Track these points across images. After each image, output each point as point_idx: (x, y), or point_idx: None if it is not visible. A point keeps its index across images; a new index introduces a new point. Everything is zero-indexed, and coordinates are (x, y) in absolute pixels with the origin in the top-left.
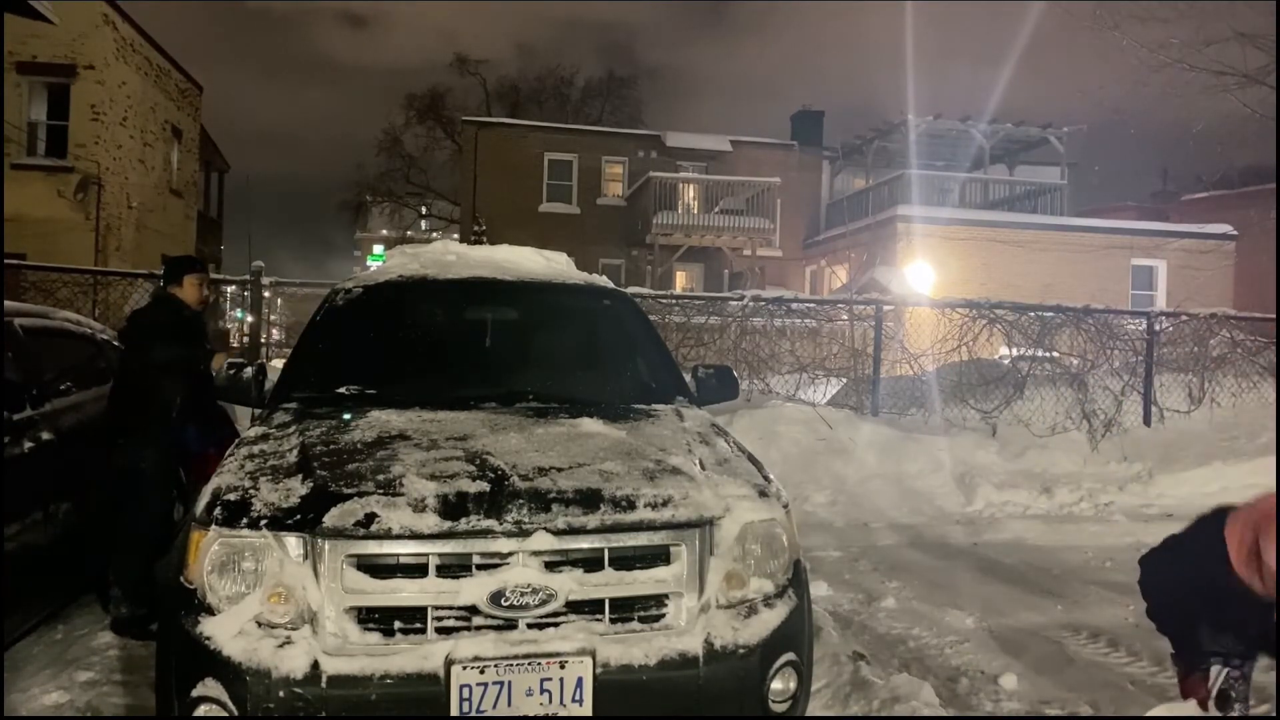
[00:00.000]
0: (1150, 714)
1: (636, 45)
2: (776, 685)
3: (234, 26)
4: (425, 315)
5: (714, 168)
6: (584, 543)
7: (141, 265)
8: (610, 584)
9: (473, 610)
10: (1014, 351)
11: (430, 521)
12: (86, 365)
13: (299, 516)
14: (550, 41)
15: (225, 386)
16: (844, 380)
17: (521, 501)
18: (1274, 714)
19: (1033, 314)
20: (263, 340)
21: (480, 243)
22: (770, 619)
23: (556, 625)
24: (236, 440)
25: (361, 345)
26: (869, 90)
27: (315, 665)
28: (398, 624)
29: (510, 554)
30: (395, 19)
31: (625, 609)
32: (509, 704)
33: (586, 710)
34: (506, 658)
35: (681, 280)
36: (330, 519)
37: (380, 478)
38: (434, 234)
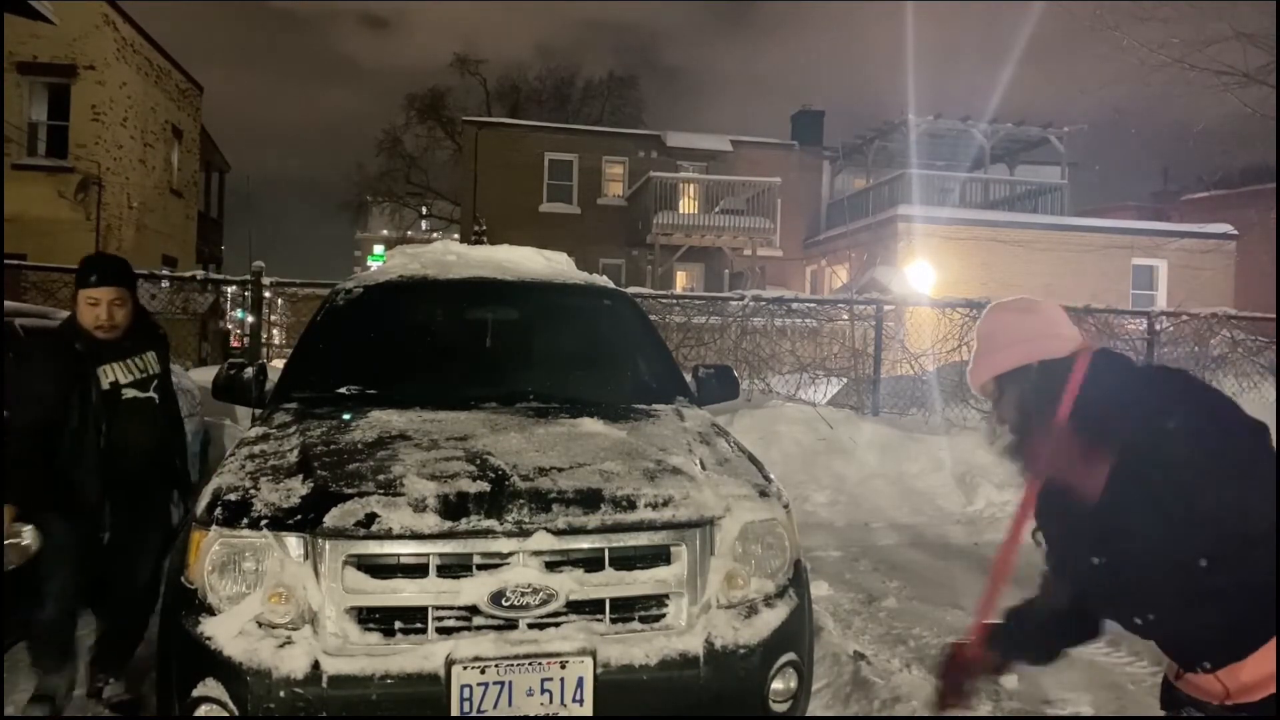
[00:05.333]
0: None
1: (656, 46)
2: (777, 685)
3: (254, 27)
4: (426, 315)
5: (714, 167)
6: (584, 543)
7: (142, 266)
8: (611, 584)
9: (473, 610)
10: None
11: (431, 521)
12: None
13: (299, 516)
14: (570, 42)
15: (225, 387)
16: (844, 380)
17: (522, 501)
18: (1274, 714)
19: None
20: (263, 341)
21: (480, 243)
22: (771, 619)
23: (557, 625)
24: (238, 440)
25: (362, 345)
26: (870, 90)
27: (316, 665)
28: (398, 624)
29: (511, 554)
30: (416, 20)
31: (626, 609)
32: (510, 704)
33: (587, 710)
34: (507, 658)
35: (682, 280)
36: (331, 519)
37: (381, 478)
38: (434, 234)
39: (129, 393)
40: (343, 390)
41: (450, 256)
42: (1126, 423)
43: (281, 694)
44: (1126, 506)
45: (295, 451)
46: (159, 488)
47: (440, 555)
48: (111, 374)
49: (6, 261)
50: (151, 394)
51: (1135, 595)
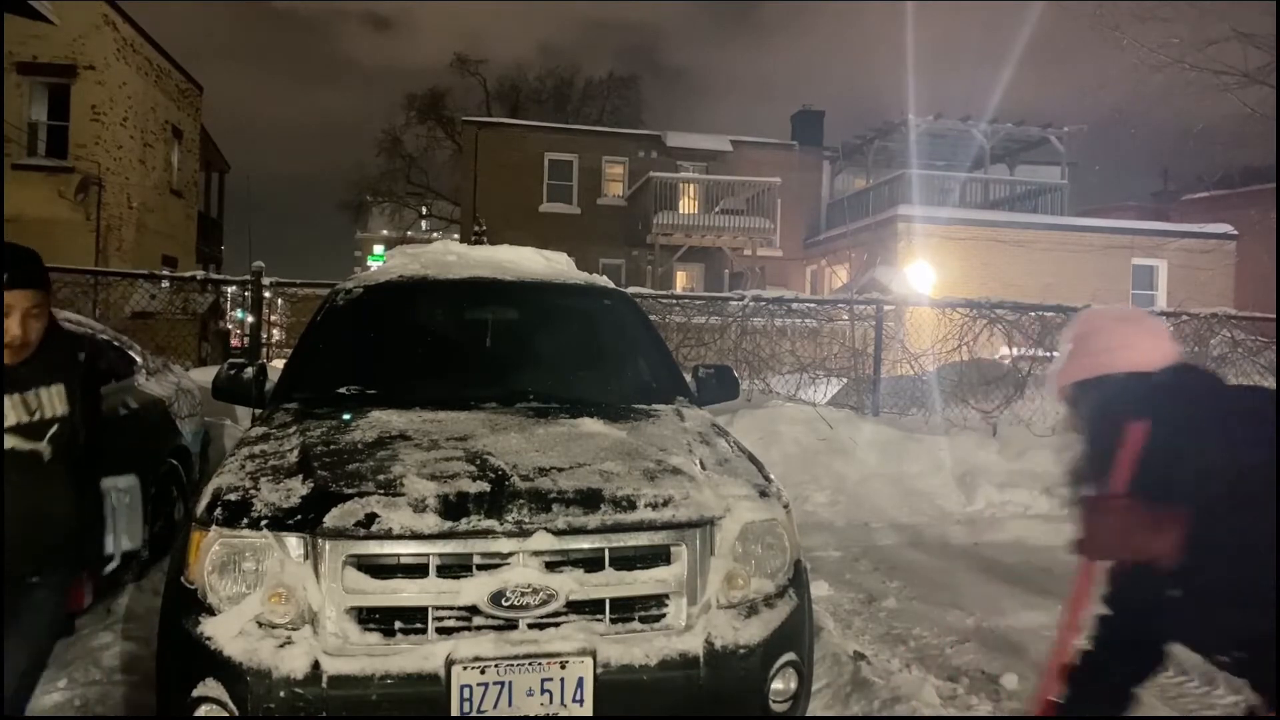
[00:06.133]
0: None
1: (660, 47)
2: (777, 685)
3: (255, 27)
4: (426, 315)
5: (714, 168)
6: (584, 543)
7: (142, 266)
8: (611, 584)
9: (473, 610)
10: (1014, 351)
11: (431, 522)
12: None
13: (299, 517)
14: (574, 43)
15: (225, 387)
16: (844, 380)
17: (522, 501)
18: (1274, 714)
19: (1033, 314)
20: (263, 341)
21: (481, 243)
22: (771, 619)
23: (557, 625)
24: (238, 440)
25: (362, 345)
26: (870, 90)
27: (316, 665)
28: (398, 624)
29: (511, 554)
30: (419, 21)
31: (626, 609)
32: (510, 704)
33: (587, 710)
34: (507, 658)
35: (682, 280)
36: (331, 519)
37: (381, 478)
38: (434, 234)
39: (5, 442)
40: (343, 390)
41: (450, 256)
42: (1197, 456)
43: (281, 694)
44: (1201, 540)
45: (295, 451)
46: (43, 576)
47: (440, 555)
48: None
49: None
50: (42, 445)
51: (1222, 630)
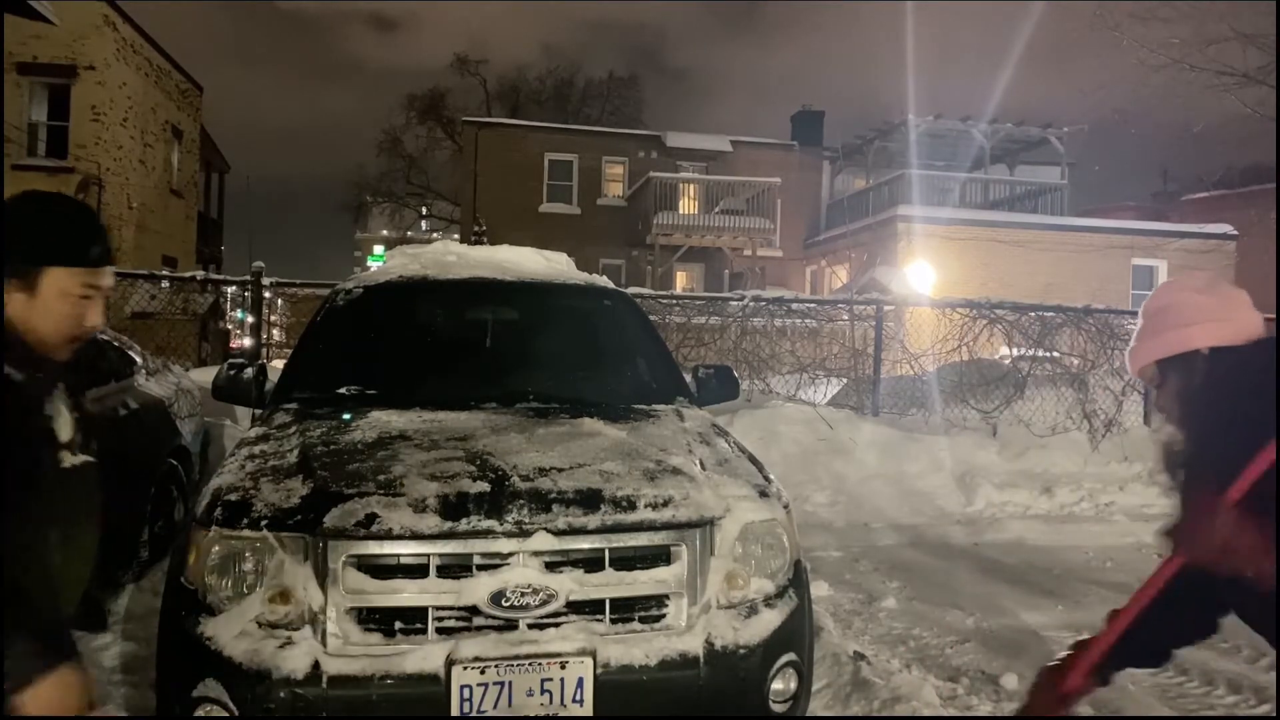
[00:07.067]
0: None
1: (663, 48)
2: (777, 685)
3: (258, 27)
4: (426, 315)
5: (714, 168)
6: (584, 543)
7: (142, 266)
8: (611, 584)
9: (473, 610)
10: (1014, 351)
11: (431, 522)
12: (87, 365)
13: (300, 517)
14: (578, 44)
15: (225, 387)
16: (844, 380)
17: (522, 502)
18: (1274, 714)
19: (1033, 314)
20: (263, 340)
21: (481, 243)
22: (771, 619)
23: (557, 625)
24: (238, 440)
25: (362, 345)
26: (870, 91)
27: (316, 665)
28: (398, 624)
29: (511, 554)
30: (424, 21)
31: (626, 609)
32: (509, 704)
33: (587, 710)
34: (507, 658)
35: (682, 280)
36: (331, 519)
37: (381, 478)
38: (434, 234)
39: (71, 458)
40: (343, 390)
41: (450, 256)
42: None
43: (282, 694)
44: None
45: (295, 452)
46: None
47: (440, 555)
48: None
49: None
50: (89, 455)
51: None
